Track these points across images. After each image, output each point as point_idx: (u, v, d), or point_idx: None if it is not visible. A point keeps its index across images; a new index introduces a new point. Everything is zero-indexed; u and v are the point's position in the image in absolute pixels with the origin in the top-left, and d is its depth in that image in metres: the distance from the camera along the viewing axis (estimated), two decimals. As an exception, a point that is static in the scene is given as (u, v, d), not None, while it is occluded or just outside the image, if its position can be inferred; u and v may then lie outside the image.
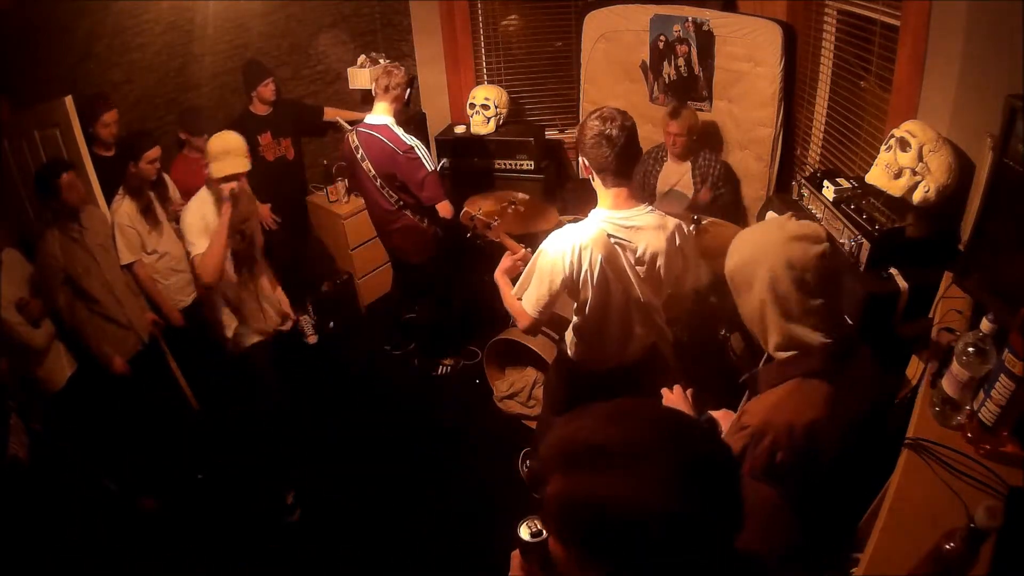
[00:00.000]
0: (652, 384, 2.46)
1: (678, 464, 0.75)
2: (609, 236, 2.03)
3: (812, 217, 2.45)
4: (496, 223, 2.86)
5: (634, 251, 2.06)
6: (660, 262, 2.09)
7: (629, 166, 2.02)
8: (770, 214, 1.54)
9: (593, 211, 2.10)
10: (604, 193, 2.06)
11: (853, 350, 1.42)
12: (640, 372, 2.36)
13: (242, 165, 2.75)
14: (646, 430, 0.78)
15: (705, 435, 0.82)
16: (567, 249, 2.04)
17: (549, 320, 2.22)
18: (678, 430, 0.80)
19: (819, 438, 1.33)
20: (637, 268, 2.09)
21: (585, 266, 2.04)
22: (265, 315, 3.08)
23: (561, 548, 0.81)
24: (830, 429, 1.34)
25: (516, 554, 1.00)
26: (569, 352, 2.40)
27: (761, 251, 1.39)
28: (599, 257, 2.02)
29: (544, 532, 0.97)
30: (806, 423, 1.32)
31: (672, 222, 2.10)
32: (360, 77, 4.37)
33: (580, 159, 2.07)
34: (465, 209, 2.95)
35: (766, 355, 1.49)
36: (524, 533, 0.98)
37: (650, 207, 2.08)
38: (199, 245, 2.75)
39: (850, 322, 1.55)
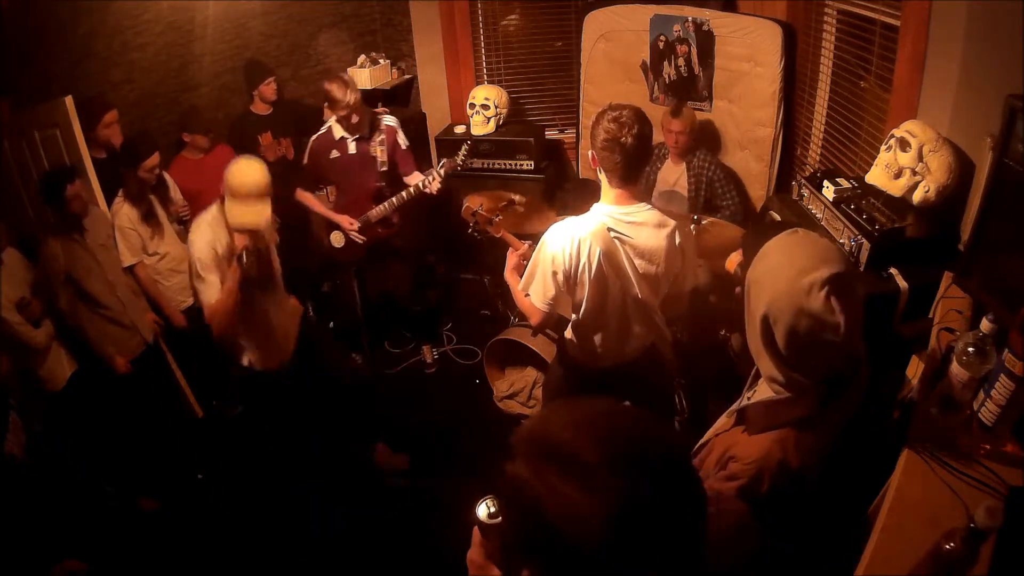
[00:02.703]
0: (651, 384, 2.47)
1: (631, 498, 0.72)
2: (609, 230, 2.03)
3: (814, 220, 2.45)
4: (498, 219, 2.86)
5: (634, 247, 2.06)
6: (659, 259, 2.09)
7: (639, 170, 2.02)
8: (811, 247, 1.28)
9: (595, 205, 2.10)
10: (608, 189, 2.06)
11: (846, 386, 1.32)
12: (639, 372, 2.36)
13: (259, 217, 2.45)
14: (620, 450, 0.75)
15: (682, 470, 0.79)
16: (566, 241, 2.04)
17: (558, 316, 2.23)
18: (653, 458, 0.77)
19: (807, 471, 1.30)
20: (636, 264, 2.09)
21: (584, 259, 2.04)
22: (274, 347, 2.78)
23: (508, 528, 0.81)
24: (816, 470, 1.30)
25: (477, 531, 1.00)
26: (568, 351, 2.39)
27: (772, 293, 1.24)
28: (598, 250, 2.02)
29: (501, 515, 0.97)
30: (792, 472, 1.26)
31: (672, 221, 2.10)
32: (360, 77, 4.37)
33: (590, 152, 2.05)
34: (466, 205, 2.93)
35: (754, 369, 1.45)
36: (482, 513, 0.98)
37: (649, 205, 2.09)
38: (209, 283, 2.46)
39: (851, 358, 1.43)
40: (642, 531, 0.72)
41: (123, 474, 3.05)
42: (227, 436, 3.53)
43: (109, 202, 3.16)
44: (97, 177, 3.13)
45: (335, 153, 3.44)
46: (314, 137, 3.46)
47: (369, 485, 3.19)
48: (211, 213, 2.52)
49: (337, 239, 3.61)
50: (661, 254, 2.08)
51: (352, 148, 3.43)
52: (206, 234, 2.48)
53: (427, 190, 3.38)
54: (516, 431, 0.81)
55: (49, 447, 2.72)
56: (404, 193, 3.45)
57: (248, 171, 2.43)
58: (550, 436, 0.78)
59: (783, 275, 1.23)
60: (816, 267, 1.19)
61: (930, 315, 1.90)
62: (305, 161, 3.50)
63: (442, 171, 3.38)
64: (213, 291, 2.46)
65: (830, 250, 1.28)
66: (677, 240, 2.10)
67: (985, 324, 1.38)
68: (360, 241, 3.54)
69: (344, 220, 3.52)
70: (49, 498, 2.53)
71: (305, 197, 3.56)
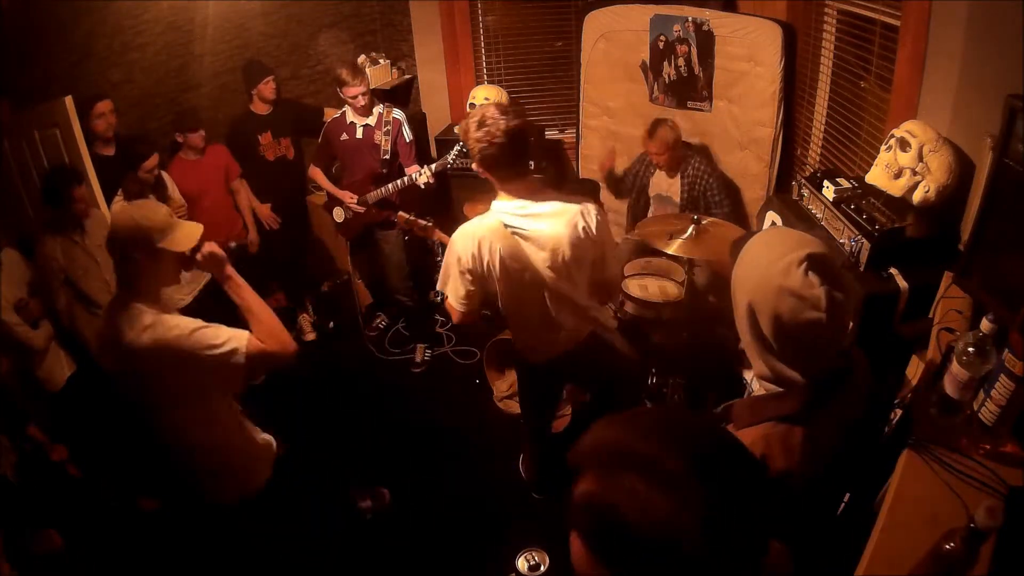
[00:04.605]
0: (610, 371, 2.51)
1: (719, 499, 0.73)
2: (506, 226, 2.09)
3: (814, 219, 2.44)
4: (430, 223, 2.94)
5: (533, 239, 2.10)
6: (563, 248, 2.11)
7: (519, 161, 2.06)
8: (786, 235, 1.36)
9: (493, 202, 2.16)
10: (500, 187, 2.12)
11: (840, 381, 1.32)
12: (592, 360, 2.41)
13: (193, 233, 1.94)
14: (696, 452, 0.76)
15: (754, 470, 0.81)
16: (468, 241, 2.10)
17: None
18: (728, 460, 0.78)
19: (792, 483, 1.29)
20: (540, 256, 2.12)
21: (487, 257, 2.09)
22: None
23: (579, 543, 0.81)
24: (806, 471, 1.29)
25: None
26: (515, 347, 2.49)
27: (753, 281, 1.27)
28: (498, 247, 2.07)
29: (541, 566, 0.98)
30: (777, 471, 1.24)
31: (574, 207, 2.11)
32: (360, 77, 4.38)
33: (473, 165, 2.09)
34: (400, 213, 3.05)
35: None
36: (522, 566, 0.99)
37: (546, 197, 2.12)
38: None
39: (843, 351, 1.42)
40: (730, 528, 0.73)
41: (123, 474, 3.04)
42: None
43: (109, 201, 3.16)
44: (98, 176, 3.13)
45: (344, 136, 3.74)
46: (330, 119, 3.83)
47: (369, 484, 3.18)
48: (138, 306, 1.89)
49: (339, 215, 3.89)
50: (564, 242, 2.10)
51: (359, 133, 3.72)
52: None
53: (416, 182, 3.64)
54: (575, 451, 0.80)
55: (45, 458, 2.70)
56: (399, 181, 3.69)
57: (140, 210, 1.94)
58: (628, 447, 0.77)
59: (762, 262, 1.27)
60: (792, 249, 1.24)
61: (930, 315, 1.89)
62: (320, 140, 3.84)
63: (433, 167, 3.64)
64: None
65: (806, 236, 1.32)
66: (580, 225, 2.10)
67: (985, 324, 1.37)
68: (359, 211, 3.79)
69: (346, 195, 3.78)
70: (47, 511, 2.51)
71: (316, 174, 3.87)
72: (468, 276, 2.14)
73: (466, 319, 2.27)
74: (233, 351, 1.79)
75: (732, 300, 1.36)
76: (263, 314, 1.92)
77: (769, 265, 1.24)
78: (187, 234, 1.91)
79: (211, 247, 1.95)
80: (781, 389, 1.30)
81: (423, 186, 3.63)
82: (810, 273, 1.20)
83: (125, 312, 1.81)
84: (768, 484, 0.82)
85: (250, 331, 1.86)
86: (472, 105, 4.19)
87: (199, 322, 1.83)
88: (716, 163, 3.72)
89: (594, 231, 2.13)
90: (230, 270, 1.93)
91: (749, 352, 1.34)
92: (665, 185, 3.57)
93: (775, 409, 1.28)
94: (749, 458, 0.81)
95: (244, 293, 1.94)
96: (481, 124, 1.96)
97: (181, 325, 1.80)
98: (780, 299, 1.21)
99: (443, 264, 2.23)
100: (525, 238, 2.10)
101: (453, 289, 2.20)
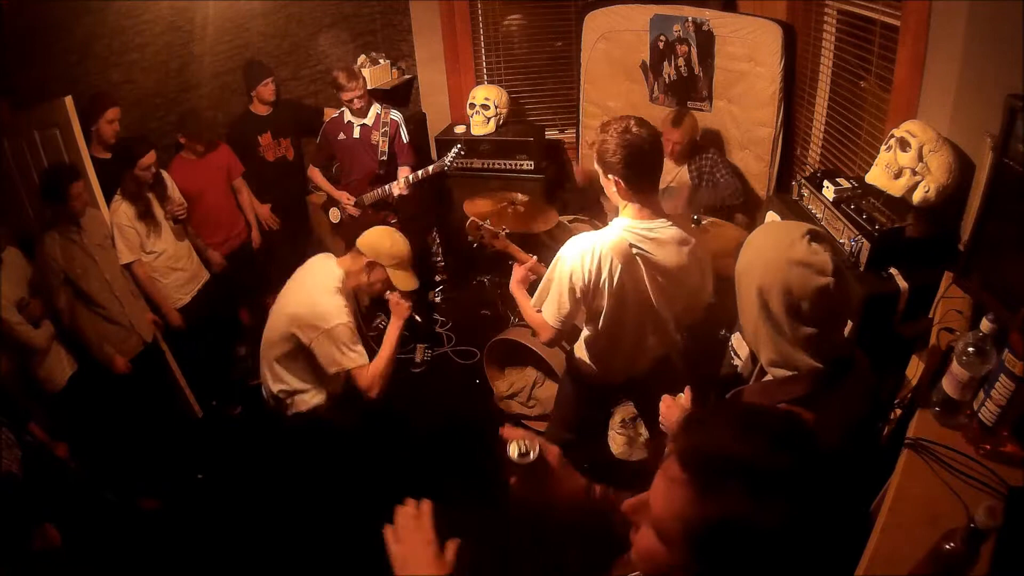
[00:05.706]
0: (658, 394, 2.44)
1: (815, 490, 0.76)
2: (631, 246, 1.99)
3: (815, 220, 2.45)
4: (504, 232, 2.84)
5: (656, 264, 2.02)
6: (681, 276, 2.06)
7: (657, 176, 2.00)
8: (786, 221, 1.43)
9: (615, 219, 2.05)
10: (627, 203, 2.01)
11: (846, 371, 1.35)
12: (649, 383, 2.31)
13: (413, 283, 2.56)
14: (789, 447, 0.77)
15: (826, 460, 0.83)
16: (587, 256, 1.97)
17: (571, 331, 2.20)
18: (811, 448, 0.80)
19: None
20: (659, 281, 2.04)
21: (604, 274, 1.98)
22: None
23: (653, 538, 0.81)
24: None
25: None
26: (579, 367, 2.34)
27: (761, 264, 1.31)
28: (619, 266, 1.97)
29: (531, 453, 1.06)
30: None
31: (691, 235, 2.08)
32: (360, 77, 4.38)
33: (609, 177, 1.98)
34: (472, 219, 2.89)
35: (758, 365, 1.46)
36: (513, 452, 1.07)
37: (671, 221, 2.04)
38: (359, 355, 2.44)
39: (848, 340, 1.45)
40: (814, 512, 0.75)
41: (123, 474, 3.05)
42: (227, 436, 3.53)
43: (108, 201, 3.16)
44: (97, 177, 3.13)
45: (342, 135, 3.81)
46: (328, 119, 3.90)
47: (369, 484, 3.18)
48: (335, 280, 2.47)
49: (335, 215, 3.95)
50: (683, 271, 2.05)
51: (356, 132, 3.77)
52: (341, 301, 2.43)
53: (395, 192, 3.74)
54: (681, 455, 0.79)
55: (48, 453, 2.70)
56: (388, 185, 3.76)
57: (402, 240, 2.56)
58: (725, 452, 0.77)
59: (766, 246, 1.34)
60: (794, 228, 1.32)
61: (930, 315, 1.89)
62: (318, 140, 3.91)
63: (431, 168, 3.70)
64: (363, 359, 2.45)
65: (801, 222, 1.42)
66: (698, 254, 2.09)
67: (985, 324, 1.37)
68: (355, 215, 3.81)
69: (343, 196, 3.81)
70: (50, 506, 2.51)
71: (314, 174, 3.94)
72: (577, 294, 2.01)
73: (558, 340, 2.17)
74: (342, 363, 2.41)
75: (738, 294, 1.38)
76: (387, 359, 2.47)
77: (774, 247, 1.30)
78: (403, 281, 2.52)
79: (408, 302, 2.54)
80: (788, 372, 1.33)
81: (396, 195, 3.72)
82: (813, 243, 1.27)
83: (329, 273, 2.49)
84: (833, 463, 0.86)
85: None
86: (472, 105, 4.20)
87: (351, 327, 2.40)
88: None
89: (703, 258, 2.10)
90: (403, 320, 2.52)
91: (757, 342, 1.36)
92: (671, 175, 3.56)
93: (786, 392, 1.31)
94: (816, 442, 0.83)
95: (394, 335, 2.50)
96: (627, 131, 1.90)
97: (339, 318, 2.38)
98: (789, 272, 1.26)
99: (545, 279, 2.10)
100: (648, 262, 2.01)
101: (556, 305, 2.05)
